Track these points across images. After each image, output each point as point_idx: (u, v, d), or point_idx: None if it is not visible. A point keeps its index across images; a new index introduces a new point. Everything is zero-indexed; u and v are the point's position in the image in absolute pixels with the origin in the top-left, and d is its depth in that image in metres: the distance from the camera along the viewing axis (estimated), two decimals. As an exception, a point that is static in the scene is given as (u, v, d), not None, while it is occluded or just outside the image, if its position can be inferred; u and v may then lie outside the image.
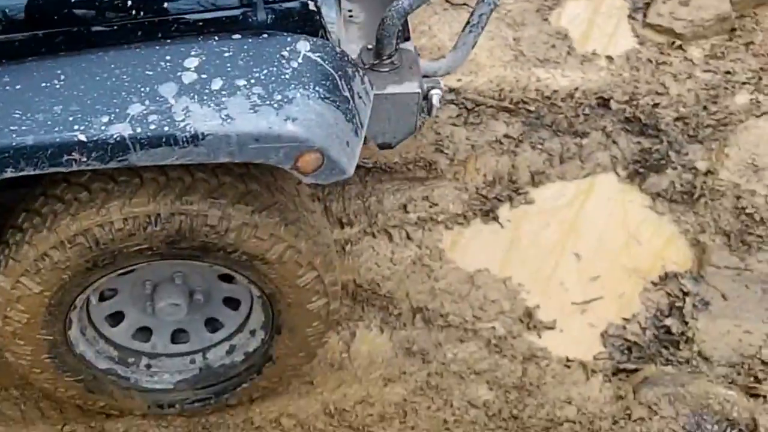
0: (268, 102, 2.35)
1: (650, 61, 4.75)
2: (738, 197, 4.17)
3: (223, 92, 2.37)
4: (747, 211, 4.13)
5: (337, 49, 2.55)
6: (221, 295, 3.16)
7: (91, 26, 2.47)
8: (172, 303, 3.03)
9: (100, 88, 2.40)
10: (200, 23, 2.48)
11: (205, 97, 2.36)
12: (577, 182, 4.33)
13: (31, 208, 2.72)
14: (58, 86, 2.41)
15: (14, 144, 2.35)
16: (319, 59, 2.47)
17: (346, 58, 2.56)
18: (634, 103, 4.55)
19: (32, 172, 2.39)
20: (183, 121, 2.34)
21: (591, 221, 4.22)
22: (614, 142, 4.46)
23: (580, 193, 4.28)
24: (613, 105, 4.55)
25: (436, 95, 2.77)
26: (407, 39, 2.83)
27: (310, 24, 2.55)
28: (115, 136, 2.34)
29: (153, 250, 2.70)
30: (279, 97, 2.36)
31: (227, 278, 3.08)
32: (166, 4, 2.45)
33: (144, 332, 3.24)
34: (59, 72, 2.43)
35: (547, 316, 3.88)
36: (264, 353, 3.22)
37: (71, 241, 2.64)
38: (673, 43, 4.86)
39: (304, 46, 2.48)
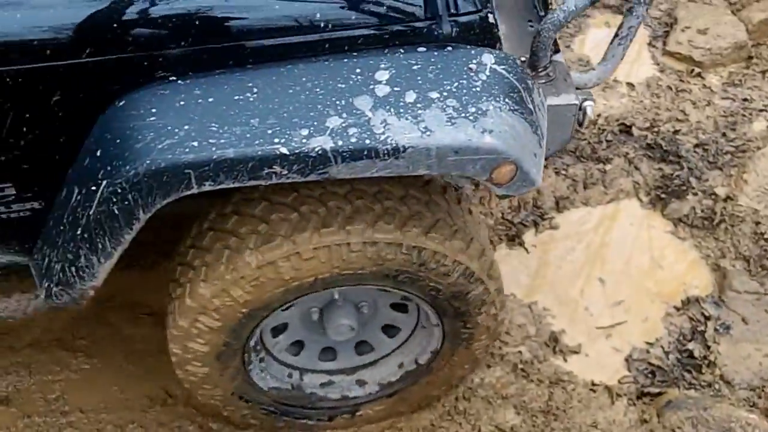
0: (463, 114, 2.34)
1: (670, 88, 4.85)
2: (757, 223, 4.23)
3: (418, 105, 2.35)
4: (766, 236, 4.20)
5: (518, 62, 2.54)
6: (360, 337, 3.18)
7: (280, 39, 2.43)
8: (349, 325, 3.04)
9: (294, 101, 2.36)
10: (386, 36, 2.46)
11: (401, 110, 2.35)
12: (601, 208, 4.39)
13: (253, 215, 2.73)
14: (251, 99, 2.36)
15: (215, 157, 2.30)
16: (504, 72, 2.46)
17: (525, 71, 2.55)
18: (655, 129, 4.64)
19: (231, 185, 2.35)
20: (383, 134, 2.32)
21: (615, 246, 4.28)
22: (636, 168, 4.53)
23: (604, 219, 4.32)
24: (635, 131, 4.63)
25: (589, 107, 2.75)
26: (557, 51, 2.80)
27: (489, 36, 2.54)
28: (317, 149, 2.31)
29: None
30: (473, 110, 2.35)
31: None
32: (354, 17, 2.43)
33: (276, 330, 3.20)
34: (250, 85, 2.39)
35: (573, 340, 3.91)
36: (354, 406, 3.27)
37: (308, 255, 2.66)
38: (692, 70, 4.97)
39: (489, 58, 2.47)
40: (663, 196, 4.42)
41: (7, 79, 2.37)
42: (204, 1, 2.38)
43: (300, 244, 2.60)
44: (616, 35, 2.84)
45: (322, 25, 2.41)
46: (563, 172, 4.41)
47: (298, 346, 3.27)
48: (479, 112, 2.38)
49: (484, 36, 2.52)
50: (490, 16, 2.52)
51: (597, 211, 4.38)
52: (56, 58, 2.36)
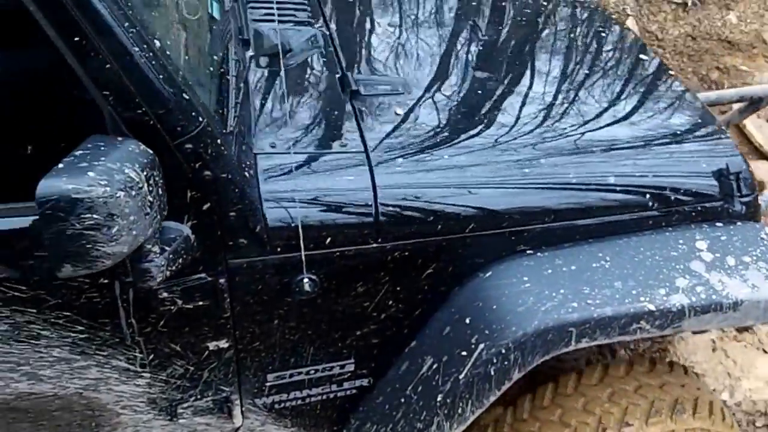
0: None
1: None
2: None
3: (740, 267, 2.73)
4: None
5: None
6: None
7: (618, 217, 2.82)
8: None
9: (642, 266, 2.71)
10: (693, 213, 2.88)
11: (729, 271, 2.72)
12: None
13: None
14: (607, 266, 2.69)
15: (595, 315, 2.59)
16: None
17: None
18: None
19: (602, 342, 2.63)
20: (723, 290, 2.68)
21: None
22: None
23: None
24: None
25: None
26: None
27: (758, 213, 2.99)
28: (677, 305, 2.64)
29: None
30: None
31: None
32: (673, 198, 2.84)
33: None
34: (600, 255, 2.72)
35: None
36: None
37: None
38: None
39: None
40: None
41: (396, 254, 2.60)
42: (567, 184, 2.76)
43: None
44: None
45: (649, 204, 2.80)
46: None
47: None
48: None
49: (756, 213, 2.97)
50: (759, 197, 2.97)
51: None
52: (446, 233, 2.63)
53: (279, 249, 2.48)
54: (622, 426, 2.91)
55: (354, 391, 2.85)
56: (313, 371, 2.75)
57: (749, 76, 6.72)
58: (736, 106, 4.18)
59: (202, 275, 2.47)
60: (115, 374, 2.59)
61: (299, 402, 2.82)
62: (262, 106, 2.73)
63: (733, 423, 3.22)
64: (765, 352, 4.64)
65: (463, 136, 2.78)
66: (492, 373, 2.60)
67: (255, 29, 3.00)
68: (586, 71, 3.32)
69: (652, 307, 2.63)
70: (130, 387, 2.65)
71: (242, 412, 2.77)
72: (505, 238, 2.69)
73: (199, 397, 2.72)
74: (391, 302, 2.67)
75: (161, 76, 2.14)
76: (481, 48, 3.34)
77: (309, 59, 2.96)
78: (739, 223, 2.90)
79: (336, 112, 2.76)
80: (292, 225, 2.45)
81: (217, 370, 2.66)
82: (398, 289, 2.65)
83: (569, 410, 2.98)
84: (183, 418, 2.74)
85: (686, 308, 2.65)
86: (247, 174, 2.40)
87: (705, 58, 6.69)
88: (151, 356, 2.59)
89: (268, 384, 2.74)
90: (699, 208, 2.87)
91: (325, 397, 2.84)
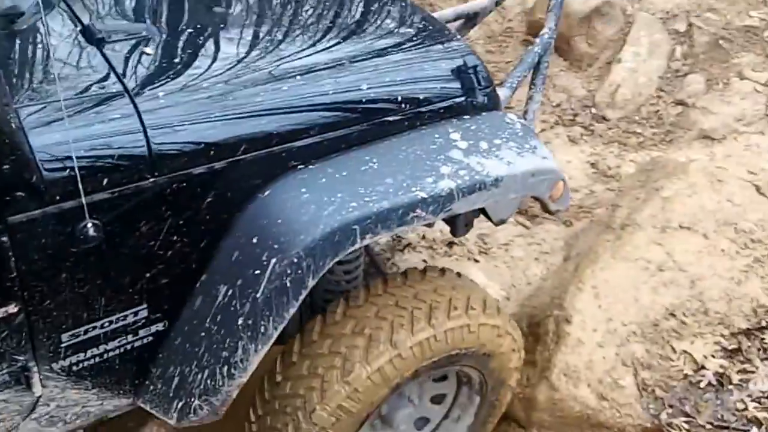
0: (525, 150, 3.03)
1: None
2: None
3: (493, 149, 2.98)
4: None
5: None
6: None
7: (371, 123, 2.95)
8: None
9: (407, 162, 2.87)
10: (441, 110, 3.05)
11: (484, 154, 2.96)
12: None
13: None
14: (375, 167, 2.84)
15: (374, 210, 2.73)
16: (523, 123, 3.19)
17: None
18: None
19: (384, 235, 2.80)
20: (483, 170, 2.91)
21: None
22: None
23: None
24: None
25: None
26: None
27: (498, 102, 3.23)
28: (445, 189, 2.83)
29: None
30: (528, 146, 3.04)
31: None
32: (421, 98, 3.02)
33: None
34: (367, 158, 2.86)
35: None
36: None
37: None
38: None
39: (512, 117, 3.17)
40: None
41: (174, 186, 2.62)
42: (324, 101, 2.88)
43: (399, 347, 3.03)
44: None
45: (402, 107, 2.97)
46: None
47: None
48: (532, 147, 3.07)
49: (497, 103, 3.22)
50: (496, 88, 3.22)
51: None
52: (217, 158, 2.67)
53: (58, 198, 2.43)
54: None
55: (150, 338, 2.83)
56: (107, 323, 2.71)
57: (451, -11, 6.98)
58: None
59: None
60: None
61: (97, 360, 2.77)
62: (10, 65, 2.68)
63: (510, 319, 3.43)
64: (476, 261, 4.91)
65: (216, 65, 2.84)
66: (288, 284, 2.67)
67: None
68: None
69: (424, 195, 2.79)
70: None
71: (40, 380, 2.69)
72: (276, 156, 2.75)
73: (-8, 373, 2.61)
74: (175, 237, 2.67)
75: None
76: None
77: (44, 19, 2.93)
78: (484, 114, 3.13)
79: (88, 61, 2.76)
80: (68, 172, 2.41)
81: (9, 338, 2.57)
82: (181, 223, 2.66)
83: (362, 320, 3.09)
84: None
85: (454, 191, 2.84)
86: (13, 125, 2.34)
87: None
88: None
89: (63, 345, 2.68)
90: (447, 105, 3.06)
91: (122, 349, 2.80)
